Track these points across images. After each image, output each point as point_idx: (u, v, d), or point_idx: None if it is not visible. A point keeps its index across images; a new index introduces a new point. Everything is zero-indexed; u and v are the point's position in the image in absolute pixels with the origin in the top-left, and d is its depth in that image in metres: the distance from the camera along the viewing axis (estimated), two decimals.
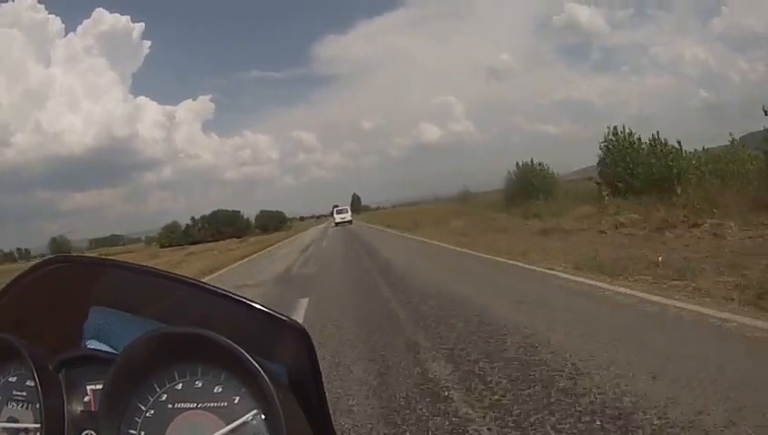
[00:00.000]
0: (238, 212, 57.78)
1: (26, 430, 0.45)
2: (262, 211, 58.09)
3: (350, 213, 40.94)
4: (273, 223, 58.03)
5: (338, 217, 38.95)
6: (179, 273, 0.50)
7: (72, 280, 0.52)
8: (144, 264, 0.54)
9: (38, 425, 0.44)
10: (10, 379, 0.49)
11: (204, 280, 0.51)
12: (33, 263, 0.55)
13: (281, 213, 59.72)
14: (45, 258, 0.52)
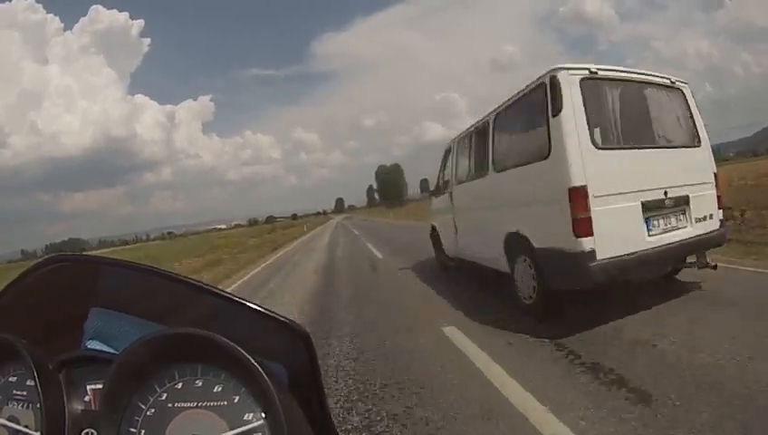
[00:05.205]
0: None
1: (27, 428, 0.45)
2: None
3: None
4: None
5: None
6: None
7: (72, 280, 0.52)
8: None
9: (38, 433, 0.44)
10: (10, 379, 0.49)
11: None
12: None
13: None
14: (45, 258, 0.52)
